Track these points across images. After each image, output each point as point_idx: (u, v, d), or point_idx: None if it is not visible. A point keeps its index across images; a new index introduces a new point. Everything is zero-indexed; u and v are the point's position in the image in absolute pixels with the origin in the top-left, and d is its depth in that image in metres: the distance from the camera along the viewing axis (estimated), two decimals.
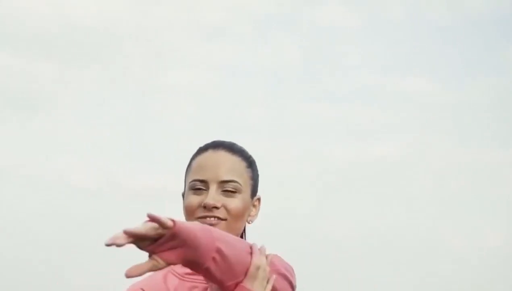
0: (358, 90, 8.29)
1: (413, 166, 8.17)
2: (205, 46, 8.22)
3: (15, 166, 8.11)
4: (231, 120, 8.03)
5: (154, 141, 8.07)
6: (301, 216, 7.65)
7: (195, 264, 1.71)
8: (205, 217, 2.01)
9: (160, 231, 1.60)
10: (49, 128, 8.13)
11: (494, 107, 7.99)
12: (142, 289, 2.02)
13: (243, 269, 1.84)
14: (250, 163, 2.11)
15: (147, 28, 8.16)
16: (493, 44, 8.08)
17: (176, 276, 2.03)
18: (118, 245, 1.55)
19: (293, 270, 2.04)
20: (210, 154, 2.08)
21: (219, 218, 2.02)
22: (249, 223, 2.11)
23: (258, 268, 1.86)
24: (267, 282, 1.90)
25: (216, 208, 2.01)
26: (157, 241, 1.61)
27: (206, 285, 1.96)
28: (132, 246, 1.60)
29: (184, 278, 2.02)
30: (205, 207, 2.01)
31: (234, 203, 2.03)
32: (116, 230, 1.56)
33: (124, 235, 1.55)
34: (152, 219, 1.59)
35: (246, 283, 1.85)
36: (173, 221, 1.62)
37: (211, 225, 1.97)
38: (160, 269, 1.64)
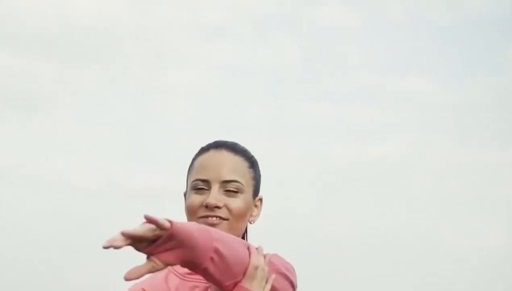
0: (358, 90, 8.29)
1: (413, 166, 8.18)
2: (205, 46, 8.23)
3: (15, 166, 8.11)
4: (231, 120, 8.03)
5: (154, 141, 8.08)
6: (301, 216, 7.65)
7: (193, 264, 1.71)
8: (207, 217, 2.01)
9: (158, 232, 1.60)
10: (49, 128, 8.13)
11: (494, 107, 7.99)
12: (143, 289, 2.02)
13: (241, 269, 1.84)
14: (252, 163, 2.11)
15: (147, 28, 8.16)
16: (493, 44, 8.09)
17: (177, 276, 2.03)
18: (116, 247, 1.54)
19: (293, 269, 2.04)
20: (212, 153, 2.08)
21: (221, 218, 2.02)
22: (251, 223, 2.11)
23: (256, 268, 1.86)
24: (266, 281, 1.90)
25: (218, 207, 2.01)
26: (155, 242, 1.61)
27: (207, 285, 1.96)
28: (130, 248, 1.60)
29: (185, 278, 2.02)
30: (207, 207, 2.01)
31: (236, 203, 2.03)
32: (116, 230, 1.56)
33: (121, 237, 1.55)
34: (149, 220, 1.59)
35: (245, 283, 1.85)
36: (170, 222, 1.61)
37: (213, 224, 1.97)
38: (158, 270, 1.64)
